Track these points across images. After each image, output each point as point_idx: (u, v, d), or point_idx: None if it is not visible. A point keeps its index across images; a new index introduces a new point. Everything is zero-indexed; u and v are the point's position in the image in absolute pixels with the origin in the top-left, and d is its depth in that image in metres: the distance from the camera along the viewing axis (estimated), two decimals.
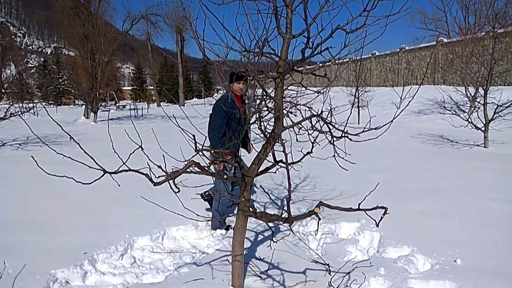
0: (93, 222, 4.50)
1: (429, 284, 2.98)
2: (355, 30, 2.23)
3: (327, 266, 3.32)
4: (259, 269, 3.31)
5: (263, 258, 3.52)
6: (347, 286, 2.98)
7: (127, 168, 1.97)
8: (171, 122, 2.48)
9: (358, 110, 16.44)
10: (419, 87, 2.23)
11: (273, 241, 2.79)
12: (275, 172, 3.14)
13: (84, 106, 23.08)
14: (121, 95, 54.63)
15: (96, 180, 1.97)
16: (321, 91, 2.67)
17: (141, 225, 4.30)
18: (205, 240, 4.18)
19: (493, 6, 14.28)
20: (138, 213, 4.68)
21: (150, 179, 2.00)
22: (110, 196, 5.43)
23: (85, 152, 1.90)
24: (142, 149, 1.99)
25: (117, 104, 39.13)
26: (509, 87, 14.38)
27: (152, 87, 51.14)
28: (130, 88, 60.57)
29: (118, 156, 1.98)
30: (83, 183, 1.98)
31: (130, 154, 1.85)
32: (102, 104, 26.94)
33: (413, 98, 2.39)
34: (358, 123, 14.82)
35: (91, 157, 1.90)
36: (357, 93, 16.75)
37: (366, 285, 3.01)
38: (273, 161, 3.10)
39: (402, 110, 2.31)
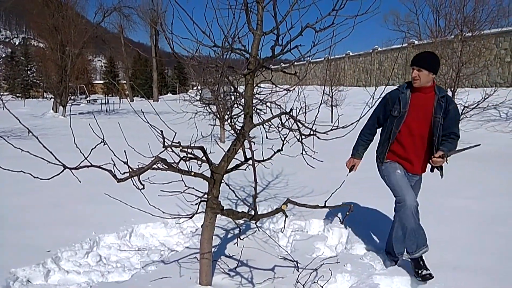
0: (57, 218, 4.36)
1: (393, 280, 3.05)
2: (324, 29, 2.24)
3: (295, 263, 3.35)
4: (228, 266, 3.30)
5: (232, 256, 3.51)
6: (314, 282, 3.01)
7: (89, 164, 1.91)
8: (143, 118, 2.42)
9: (332, 109, 16.65)
10: (385, 87, 2.27)
11: (240, 239, 2.79)
12: (245, 170, 3.14)
13: (52, 100, 22.35)
14: (92, 89, 53.10)
15: (55, 176, 1.90)
16: (290, 89, 2.68)
17: (108, 222, 4.20)
18: (175, 237, 4.13)
19: (463, 10, 14.71)
20: (106, 209, 4.57)
21: (114, 175, 1.95)
22: (77, 192, 5.28)
23: (44, 146, 1.82)
24: (105, 143, 1.93)
25: (88, 98, 38.08)
26: (475, 89, 14.90)
27: (125, 82, 50.05)
28: (101, 82, 59.03)
29: (80, 152, 1.91)
30: (41, 179, 1.90)
31: (92, 149, 1.80)
32: (72, 97, 26.11)
33: (378, 99, 2.43)
34: (332, 122, 15.03)
35: (50, 152, 1.83)
36: (330, 92, 16.97)
37: (332, 281, 3.05)
38: (243, 158, 3.10)
39: (368, 111, 2.35)
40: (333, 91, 17.12)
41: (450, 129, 3.03)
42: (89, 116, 21.41)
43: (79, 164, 1.91)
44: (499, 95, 11.82)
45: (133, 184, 1.98)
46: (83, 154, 1.89)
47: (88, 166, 1.93)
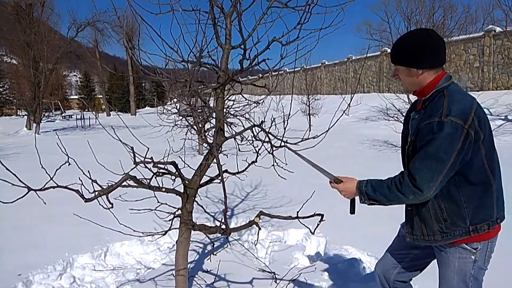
0: (28, 240, 4.24)
1: (368, 285, 3.08)
2: (290, 42, 2.28)
3: (273, 274, 3.34)
4: (205, 282, 3.26)
5: (210, 270, 3.47)
6: None
7: (55, 185, 1.87)
8: (120, 133, 2.38)
9: (309, 118, 16.82)
10: (352, 96, 2.33)
11: (214, 254, 2.76)
12: (219, 183, 3.13)
13: (26, 117, 21.86)
14: (67, 104, 52.20)
15: (19, 198, 1.85)
16: (260, 101, 2.70)
17: (82, 242, 4.10)
18: (151, 254, 4.06)
19: (432, 18, 15.23)
20: (79, 229, 4.45)
21: (81, 195, 1.91)
22: (48, 212, 5.09)
23: (6, 168, 1.78)
24: (70, 163, 1.90)
25: (63, 114, 37.41)
26: None
27: (101, 96, 49.42)
28: (77, 97, 58.07)
29: (46, 172, 1.87)
30: (3, 202, 1.85)
31: (57, 169, 1.76)
32: (45, 114, 25.57)
33: (347, 109, 2.48)
34: (309, 130, 15.18)
35: (13, 174, 1.78)
36: (308, 101, 17.18)
37: None
38: (218, 172, 3.09)
39: (337, 121, 2.39)
40: (310, 100, 17.32)
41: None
42: (64, 132, 21.00)
43: (44, 185, 1.87)
44: None
45: (99, 204, 1.95)
46: (49, 175, 1.85)
47: (54, 187, 1.88)
